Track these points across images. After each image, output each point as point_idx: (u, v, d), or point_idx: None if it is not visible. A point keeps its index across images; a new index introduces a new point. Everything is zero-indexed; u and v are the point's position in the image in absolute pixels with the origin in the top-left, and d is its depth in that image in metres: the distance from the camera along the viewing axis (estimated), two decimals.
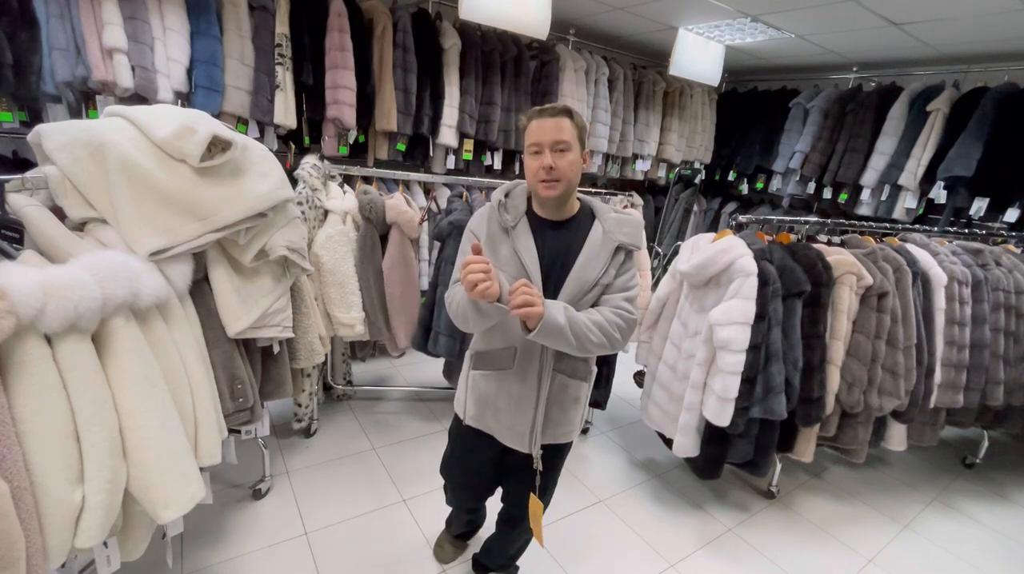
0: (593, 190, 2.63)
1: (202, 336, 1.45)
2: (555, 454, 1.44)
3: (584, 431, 2.81)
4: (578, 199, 1.32)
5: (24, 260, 1.10)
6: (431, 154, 3.29)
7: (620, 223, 1.26)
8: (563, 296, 1.21)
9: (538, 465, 1.35)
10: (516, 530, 1.61)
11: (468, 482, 1.63)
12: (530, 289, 1.09)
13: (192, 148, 1.30)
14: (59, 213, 1.25)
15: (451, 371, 2.62)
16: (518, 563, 1.77)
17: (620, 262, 1.25)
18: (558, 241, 1.25)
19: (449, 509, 1.84)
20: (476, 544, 1.89)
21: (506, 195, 1.28)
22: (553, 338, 1.14)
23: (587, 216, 1.30)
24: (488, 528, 1.83)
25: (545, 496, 1.50)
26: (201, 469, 1.32)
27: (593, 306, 1.24)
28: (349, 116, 2.80)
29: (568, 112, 1.18)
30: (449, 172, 3.33)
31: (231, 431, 1.66)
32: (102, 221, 1.28)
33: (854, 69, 4.15)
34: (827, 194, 3.99)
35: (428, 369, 3.22)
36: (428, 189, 2.79)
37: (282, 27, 2.62)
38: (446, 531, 1.90)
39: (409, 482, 2.26)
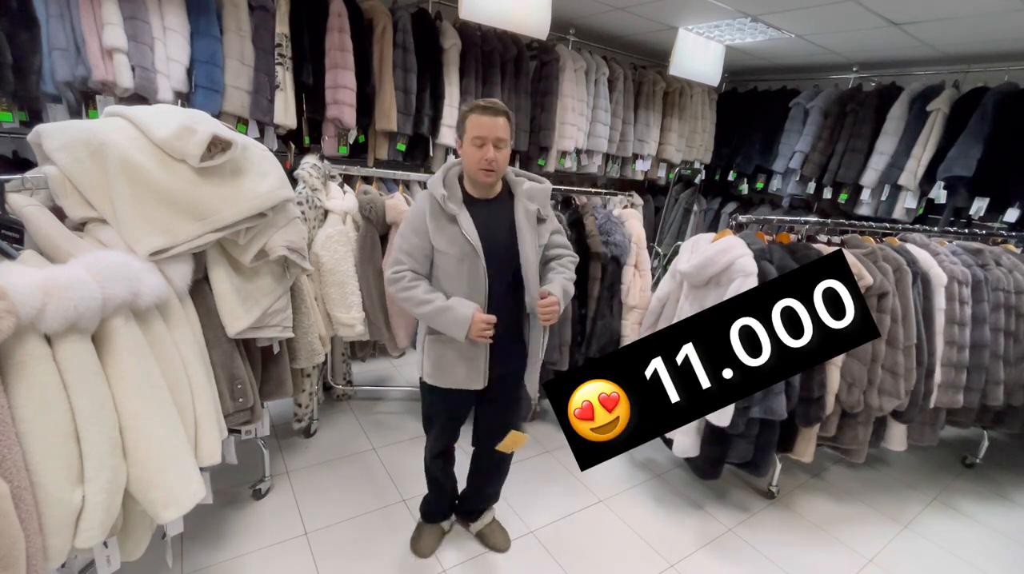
0: (593, 190, 2.63)
1: (202, 336, 1.45)
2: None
3: None
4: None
5: (24, 260, 1.10)
6: (431, 154, 3.29)
7: (531, 196, 1.52)
8: (527, 271, 1.47)
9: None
10: (495, 458, 1.76)
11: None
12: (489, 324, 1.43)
13: (192, 148, 1.30)
14: (59, 213, 1.25)
15: None
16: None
17: (544, 223, 1.55)
18: (490, 215, 1.50)
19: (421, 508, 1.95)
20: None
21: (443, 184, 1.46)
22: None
23: (507, 192, 1.54)
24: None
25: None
26: (201, 469, 1.32)
27: (545, 262, 1.59)
28: (349, 116, 2.80)
29: (507, 112, 1.41)
30: None
31: (231, 431, 1.66)
32: (102, 221, 1.28)
33: (854, 69, 4.15)
34: (827, 194, 3.98)
35: None
36: None
37: (282, 27, 2.62)
38: (423, 522, 1.93)
39: (409, 482, 2.25)
